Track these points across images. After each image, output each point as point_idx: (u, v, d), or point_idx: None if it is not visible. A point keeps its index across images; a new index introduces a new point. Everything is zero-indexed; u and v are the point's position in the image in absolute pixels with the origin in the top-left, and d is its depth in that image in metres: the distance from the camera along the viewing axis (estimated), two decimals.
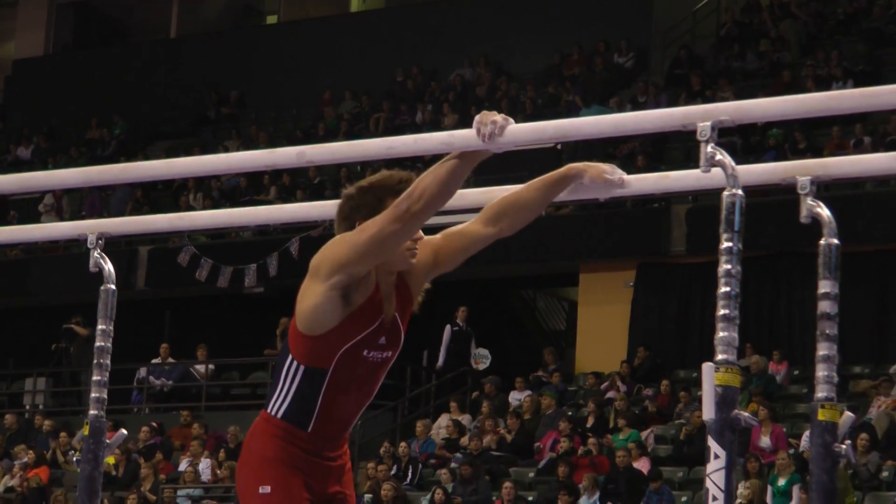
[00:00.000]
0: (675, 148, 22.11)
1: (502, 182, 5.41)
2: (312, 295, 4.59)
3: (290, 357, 4.68)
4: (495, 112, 4.71)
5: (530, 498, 17.87)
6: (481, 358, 21.35)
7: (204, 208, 24.75)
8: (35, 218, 25.32)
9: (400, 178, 4.62)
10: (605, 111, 22.62)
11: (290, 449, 4.65)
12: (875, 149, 19.39)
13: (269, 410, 4.70)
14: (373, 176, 4.70)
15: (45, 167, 26.91)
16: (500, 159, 4.84)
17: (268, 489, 4.61)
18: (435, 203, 4.54)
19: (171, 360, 23.73)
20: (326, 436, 4.72)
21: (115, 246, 22.19)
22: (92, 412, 5.84)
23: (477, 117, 4.68)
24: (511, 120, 4.67)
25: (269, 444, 4.67)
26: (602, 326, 21.33)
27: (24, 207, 26.14)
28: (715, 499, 4.22)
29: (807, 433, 15.84)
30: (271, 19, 33.88)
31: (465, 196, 5.61)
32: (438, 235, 4.87)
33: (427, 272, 4.89)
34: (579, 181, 4.93)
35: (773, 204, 17.95)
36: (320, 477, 4.70)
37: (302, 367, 4.64)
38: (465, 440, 19.71)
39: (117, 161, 25.76)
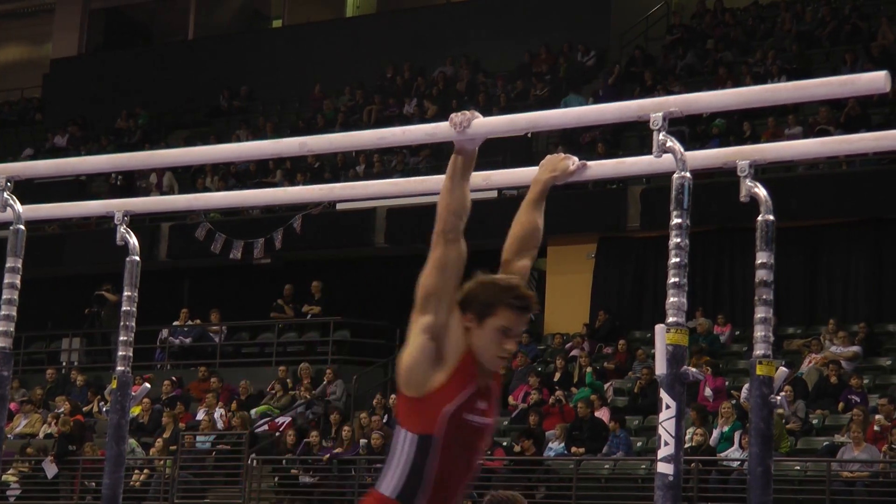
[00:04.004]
0: (632, 136, 22.09)
1: (484, 167, 5.39)
2: (409, 348, 4.37)
3: (400, 429, 4.40)
4: (469, 112, 4.68)
5: (504, 443, 17.89)
6: None
7: (218, 189, 24.75)
8: (68, 198, 25.21)
9: (518, 294, 4.40)
10: (581, 101, 22.63)
11: None
12: (805, 136, 19.41)
13: (380, 489, 4.40)
14: (500, 276, 4.53)
15: (78, 153, 26.84)
16: (481, 145, 4.81)
17: None
18: (451, 213, 4.41)
19: (189, 322, 23.72)
20: None
21: (140, 222, 22.15)
22: (119, 368, 5.84)
23: (452, 115, 4.67)
24: (478, 114, 4.67)
25: None
26: (567, 293, 21.32)
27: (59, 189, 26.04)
28: (666, 443, 4.22)
29: (746, 386, 15.87)
30: (276, 23, 33.75)
31: None
32: None
33: None
34: (554, 183, 4.91)
35: (717, 185, 17.95)
36: None
37: (412, 436, 4.35)
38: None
39: (142, 148, 25.72)
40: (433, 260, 4.39)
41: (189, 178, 26.35)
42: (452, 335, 4.35)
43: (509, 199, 18.88)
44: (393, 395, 19.93)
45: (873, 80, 4.33)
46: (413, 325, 4.38)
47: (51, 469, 19.79)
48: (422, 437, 4.34)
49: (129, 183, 26.60)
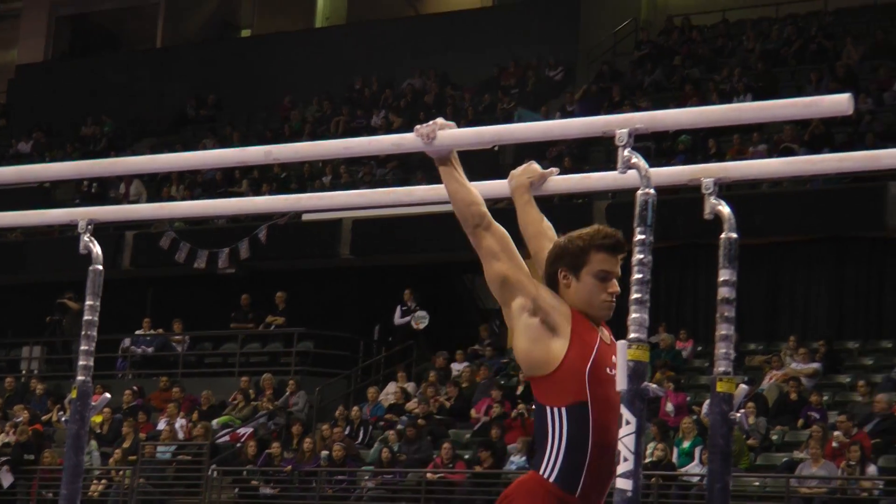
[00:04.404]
0: (598, 150, 22.14)
1: None
2: (516, 336, 4.37)
3: (546, 409, 4.33)
4: (434, 122, 4.68)
5: (466, 456, 17.88)
6: (420, 319, 21.32)
7: (184, 198, 24.66)
8: (32, 204, 25.06)
9: (605, 234, 4.44)
10: (534, 116, 22.69)
11: None
12: (770, 154, 19.52)
13: (540, 472, 4.32)
14: (583, 229, 4.51)
15: (42, 160, 26.69)
16: None
17: None
18: (468, 206, 4.46)
19: (151, 331, 23.61)
20: (592, 499, 4.37)
21: (104, 230, 22.02)
22: (79, 378, 5.79)
23: (417, 126, 4.67)
24: (444, 121, 4.66)
25: None
26: None
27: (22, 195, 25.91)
28: (626, 459, 4.22)
29: (707, 401, 15.91)
30: (245, 33, 33.74)
31: (415, 193, 5.64)
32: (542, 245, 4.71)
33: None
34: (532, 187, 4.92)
35: (681, 201, 17.98)
36: None
37: (560, 410, 4.31)
38: (410, 405, 19.69)
39: (107, 155, 25.63)
40: (483, 254, 4.42)
41: (155, 186, 26.26)
42: (548, 300, 4.37)
43: None
44: (355, 408, 19.91)
45: (837, 103, 4.34)
46: (509, 318, 4.40)
47: (6, 478, 19.65)
48: (570, 407, 4.32)
49: (104, 190, 26.51)
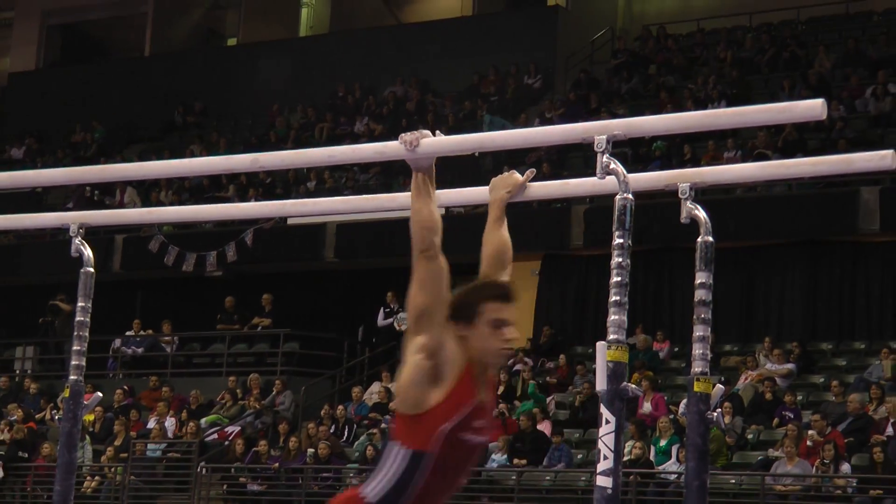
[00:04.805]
0: (576, 156, 22.16)
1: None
2: (405, 368, 4.30)
3: (394, 443, 4.33)
4: (418, 131, 4.67)
5: None
6: (402, 321, 21.31)
7: (172, 203, 24.64)
8: (24, 208, 24.97)
9: (493, 285, 4.44)
10: (503, 122, 22.74)
11: None
12: (744, 160, 19.53)
13: (361, 493, 4.35)
14: (470, 283, 4.47)
15: (34, 166, 26.63)
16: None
17: None
18: (424, 230, 4.40)
19: (141, 332, 23.57)
20: None
21: (94, 234, 21.96)
22: (72, 377, 5.79)
23: (402, 134, 4.67)
24: (428, 132, 4.67)
25: None
26: None
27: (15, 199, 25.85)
28: (605, 457, 4.23)
29: (684, 401, 15.94)
30: (231, 41, 33.68)
31: (397, 199, 5.66)
32: None
33: None
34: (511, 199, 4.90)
35: (658, 205, 18.01)
36: None
37: (404, 451, 4.28)
38: (393, 404, 19.67)
39: (97, 161, 25.57)
40: (416, 279, 4.35)
41: (143, 191, 26.22)
42: (449, 352, 4.27)
43: (457, 217, 18.91)
44: (340, 407, 19.88)
45: (811, 108, 4.36)
46: (409, 346, 4.31)
47: None
48: (415, 452, 4.28)
49: (103, 197, 26.46)
